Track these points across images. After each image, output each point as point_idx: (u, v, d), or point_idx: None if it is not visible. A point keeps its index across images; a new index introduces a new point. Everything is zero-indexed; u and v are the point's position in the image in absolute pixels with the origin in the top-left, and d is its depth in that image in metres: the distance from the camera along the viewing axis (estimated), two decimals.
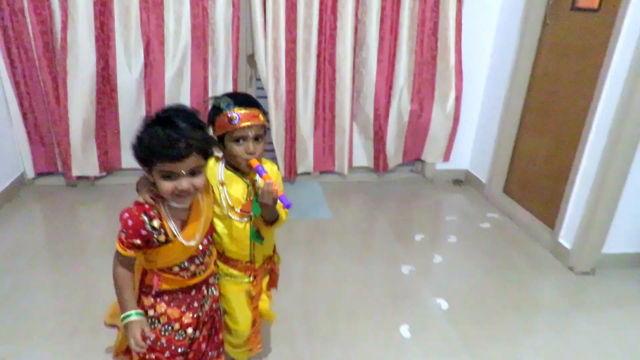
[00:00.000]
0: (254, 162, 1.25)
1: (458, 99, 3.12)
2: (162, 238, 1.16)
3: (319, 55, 2.95)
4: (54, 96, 2.79)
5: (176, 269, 1.22)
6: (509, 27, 2.92)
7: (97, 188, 3.07)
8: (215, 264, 1.36)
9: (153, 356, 1.25)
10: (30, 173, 2.99)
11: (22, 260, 2.26)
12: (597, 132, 2.28)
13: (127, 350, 1.37)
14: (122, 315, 1.18)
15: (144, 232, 1.13)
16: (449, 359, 1.80)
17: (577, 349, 1.89)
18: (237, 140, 1.25)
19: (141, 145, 1.10)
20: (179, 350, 1.27)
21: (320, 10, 2.84)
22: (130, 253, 1.15)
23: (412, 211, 3.08)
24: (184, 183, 1.10)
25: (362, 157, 3.34)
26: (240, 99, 1.27)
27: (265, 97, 3.01)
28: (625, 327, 2.04)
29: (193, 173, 1.12)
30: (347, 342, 1.85)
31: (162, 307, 1.24)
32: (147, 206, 1.14)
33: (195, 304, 1.29)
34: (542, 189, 2.80)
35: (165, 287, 1.23)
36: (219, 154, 1.31)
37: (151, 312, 1.23)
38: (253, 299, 1.44)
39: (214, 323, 1.39)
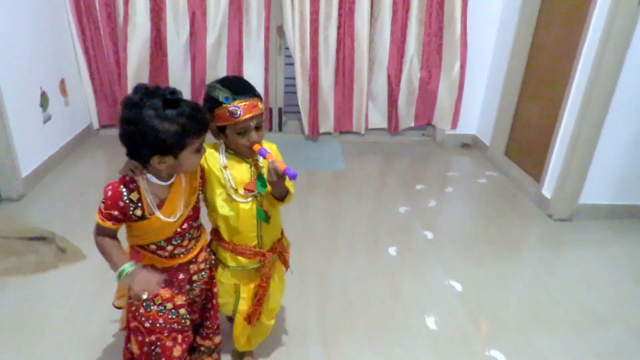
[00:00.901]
0: (257, 147, 1.27)
1: (463, 67, 3.45)
2: (139, 212, 1.17)
3: (339, 27, 3.35)
4: (114, 59, 3.34)
5: (153, 246, 1.24)
6: (513, 0, 3.21)
7: None
8: (205, 250, 1.38)
9: (154, 337, 1.27)
10: (96, 125, 3.58)
11: (89, 191, 2.83)
12: (574, 94, 2.59)
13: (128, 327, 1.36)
14: (117, 273, 1.16)
15: (121, 204, 1.15)
16: (426, 274, 2.22)
17: (542, 278, 2.26)
18: (239, 133, 1.26)
19: (168, 133, 1.07)
20: (175, 326, 1.28)
21: None
22: (108, 224, 1.16)
23: (418, 168, 3.47)
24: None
25: (377, 118, 3.73)
26: (237, 88, 1.25)
27: (292, 64, 3.45)
28: (590, 265, 2.36)
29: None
30: (345, 258, 2.31)
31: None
32: (127, 179, 1.16)
33: (187, 287, 1.33)
34: (534, 148, 3.12)
35: (146, 262, 1.25)
36: (218, 141, 1.34)
37: (144, 296, 1.18)
38: (261, 280, 1.42)
39: (206, 302, 1.44)
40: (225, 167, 1.31)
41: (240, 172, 1.32)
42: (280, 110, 3.78)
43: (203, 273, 1.37)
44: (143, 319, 1.25)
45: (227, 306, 1.49)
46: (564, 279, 2.23)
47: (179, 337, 1.29)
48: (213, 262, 1.42)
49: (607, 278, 2.24)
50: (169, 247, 1.25)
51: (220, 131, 1.28)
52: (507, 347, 1.77)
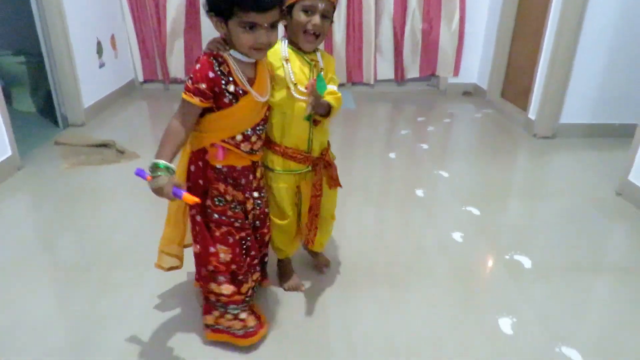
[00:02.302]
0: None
1: (462, 18, 3.85)
2: (232, 88, 1.13)
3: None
4: (156, 19, 3.88)
5: (239, 137, 1.20)
6: None
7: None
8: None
9: (244, 234, 1.29)
10: (140, 78, 4.13)
11: (136, 130, 3.35)
12: (550, 28, 2.98)
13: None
14: (152, 162, 1.08)
15: (211, 75, 1.10)
16: (419, 167, 2.64)
17: (527, 184, 2.67)
18: (305, 11, 1.24)
19: None
20: (240, 222, 1.28)
21: None
22: (195, 100, 1.10)
23: (421, 109, 3.89)
24: (264, 36, 1.09)
25: (385, 70, 4.16)
26: None
27: None
28: (566, 163, 2.77)
29: (272, 26, 1.11)
30: (362, 162, 2.76)
31: (230, 191, 1.25)
32: (214, 53, 1.12)
33: (253, 193, 1.32)
34: (523, 84, 3.49)
35: (226, 161, 1.22)
36: (284, 22, 1.29)
37: (222, 190, 1.23)
38: (314, 189, 1.41)
39: (264, 229, 1.42)
40: (287, 60, 1.29)
41: (301, 69, 1.31)
42: None
43: (264, 192, 1.37)
44: (233, 219, 1.26)
45: (286, 213, 1.46)
46: (547, 175, 2.63)
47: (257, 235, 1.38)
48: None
49: (580, 174, 2.63)
50: (253, 138, 1.23)
51: (288, 11, 1.25)
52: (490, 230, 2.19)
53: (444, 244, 1.90)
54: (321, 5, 1.23)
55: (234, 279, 1.28)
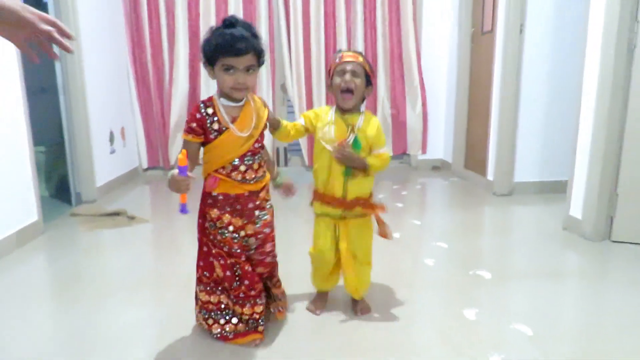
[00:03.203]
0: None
1: (424, 103, 4.52)
2: (216, 126, 1.38)
3: (326, 80, 4.49)
4: (160, 113, 4.46)
5: (229, 167, 1.42)
6: (453, 51, 4.39)
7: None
8: (266, 190, 1.55)
9: (233, 260, 1.48)
10: (144, 165, 4.59)
11: (141, 208, 3.74)
12: (494, 104, 3.61)
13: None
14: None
15: (198, 115, 1.38)
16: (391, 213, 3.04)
17: (489, 226, 3.08)
18: (339, 75, 1.56)
19: (209, 44, 1.35)
20: (247, 252, 1.50)
21: (326, 53, 4.44)
22: (189, 137, 1.39)
23: (395, 180, 4.37)
24: (241, 78, 1.34)
25: None
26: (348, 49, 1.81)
27: (293, 112, 4.55)
28: (518, 216, 3.20)
29: (248, 70, 1.35)
30: None
31: (226, 217, 1.45)
32: (205, 99, 1.42)
33: (254, 218, 1.49)
34: (481, 154, 4.04)
35: (221, 189, 1.43)
36: (328, 86, 1.64)
37: (214, 215, 1.45)
38: (341, 238, 1.63)
39: (264, 248, 1.55)
40: (331, 123, 1.58)
41: (341, 130, 1.58)
42: (285, 149, 4.80)
43: (265, 212, 1.52)
44: (222, 244, 1.46)
45: (327, 253, 1.66)
46: (502, 223, 3.04)
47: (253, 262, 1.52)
48: (272, 207, 1.57)
49: (533, 221, 3.05)
50: (242, 167, 1.43)
51: (330, 81, 1.60)
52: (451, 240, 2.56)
53: (417, 267, 2.23)
54: (349, 67, 1.56)
55: (214, 291, 1.52)
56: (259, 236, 1.52)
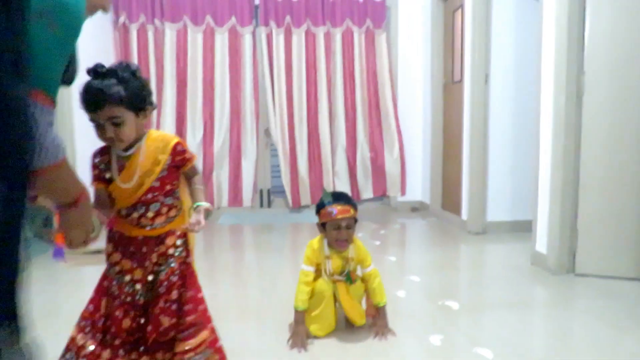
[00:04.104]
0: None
1: (401, 147, 4.75)
2: (108, 175, 1.36)
3: (308, 126, 4.72)
4: None
5: (124, 212, 1.37)
6: (427, 99, 4.67)
7: None
8: (177, 237, 1.41)
9: (105, 283, 1.40)
10: None
11: None
12: (465, 148, 3.83)
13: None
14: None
15: (91, 164, 1.38)
16: None
17: (460, 262, 3.20)
18: (334, 228, 1.75)
19: (80, 96, 1.24)
20: (128, 299, 1.37)
21: (308, 100, 4.68)
22: (94, 184, 1.36)
23: (374, 220, 4.50)
24: (109, 131, 1.25)
25: (343, 191, 4.87)
26: (338, 197, 1.79)
27: (277, 155, 4.73)
28: (489, 253, 3.33)
29: (115, 123, 1.25)
30: None
31: (117, 256, 1.38)
32: (105, 147, 1.36)
33: (147, 264, 1.37)
34: (456, 195, 4.22)
35: (118, 227, 1.39)
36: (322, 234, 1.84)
37: (107, 251, 1.39)
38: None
39: (170, 296, 1.37)
40: (328, 258, 1.81)
41: (336, 263, 1.82)
42: (268, 191, 4.94)
43: (172, 260, 1.39)
44: (102, 278, 1.40)
45: (328, 320, 1.86)
46: (473, 259, 3.17)
47: (131, 312, 1.37)
48: (186, 258, 1.43)
49: (503, 257, 3.19)
50: (135, 214, 1.36)
51: (323, 226, 1.79)
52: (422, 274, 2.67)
53: (389, 299, 2.32)
54: (344, 223, 1.76)
55: (82, 329, 1.36)
56: (164, 283, 1.37)
